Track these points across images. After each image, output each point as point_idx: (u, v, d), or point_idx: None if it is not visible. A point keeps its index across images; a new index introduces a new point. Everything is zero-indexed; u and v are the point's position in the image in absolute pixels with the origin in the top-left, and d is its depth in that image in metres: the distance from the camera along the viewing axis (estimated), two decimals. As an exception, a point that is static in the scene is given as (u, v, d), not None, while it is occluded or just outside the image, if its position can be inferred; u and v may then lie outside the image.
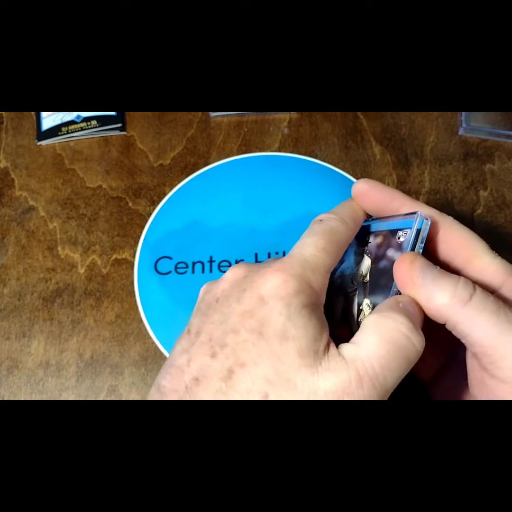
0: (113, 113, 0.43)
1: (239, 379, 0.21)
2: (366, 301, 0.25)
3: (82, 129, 0.42)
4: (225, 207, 0.40)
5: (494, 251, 0.24)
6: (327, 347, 0.22)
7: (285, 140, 0.42)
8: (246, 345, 0.21)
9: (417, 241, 0.24)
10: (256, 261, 0.38)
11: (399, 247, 0.24)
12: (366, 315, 0.25)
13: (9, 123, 0.44)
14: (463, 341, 0.23)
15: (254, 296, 0.22)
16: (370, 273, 0.26)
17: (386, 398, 0.21)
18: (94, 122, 0.42)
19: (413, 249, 0.24)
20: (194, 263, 0.38)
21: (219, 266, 0.38)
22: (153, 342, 0.36)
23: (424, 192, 0.40)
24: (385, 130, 0.42)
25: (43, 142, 0.42)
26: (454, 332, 0.23)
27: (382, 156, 0.41)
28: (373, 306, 0.24)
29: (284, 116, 0.43)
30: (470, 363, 0.24)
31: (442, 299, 0.22)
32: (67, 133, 0.42)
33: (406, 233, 0.24)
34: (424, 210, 0.25)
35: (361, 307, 0.25)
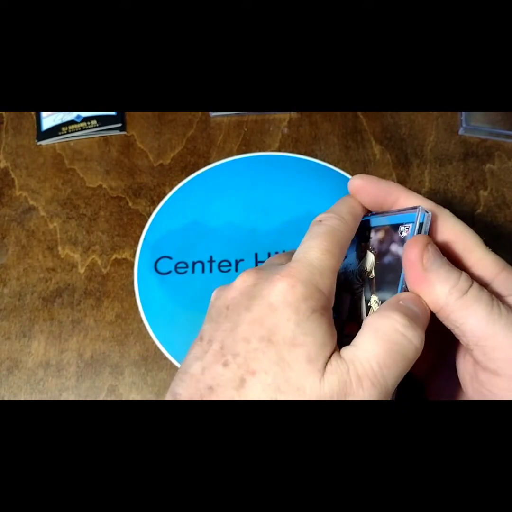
0: (113, 113, 0.43)
1: (250, 388, 0.21)
2: (374, 298, 0.25)
3: (82, 129, 0.42)
4: (225, 207, 0.40)
5: (489, 247, 0.25)
6: (333, 351, 0.22)
7: (285, 140, 0.42)
8: (256, 353, 0.21)
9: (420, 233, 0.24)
10: (256, 261, 0.38)
11: (402, 242, 0.24)
12: (375, 311, 0.25)
13: (9, 123, 0.44)
14: (455, 331, 0.23)
15: (263, 303, 0.22)
16: (375, 268, 0.26)
17: (388, 396, 0.21)
18: (94, 122, 0.42)
19: None
20: (194, 263, 0.38)
21: (219, 266, 0.38)
22: (153, 342, 0.36)
23: (424, 192, 0.40)
24: (385, 130, 0.42)
25: (43, 142, 0.42)
26: (446, 322, 0.23)
27: (382, 156, 0.41)
28: (382, 303, 0.24)
29: (284, 116, 0.43)
30: (462, 358, 0.24)
31: (443, 288, 0.22)
32: (67, 133, 0.42)
33: (408, 228, 0.24)
34: (421, 203, 0.25)
35: (369, 304, 0.25)
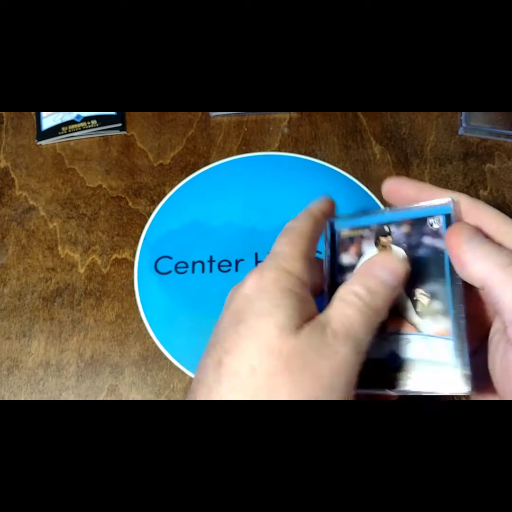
0: (113, 113, 0.43)
1: (227, 365, 0.22)
2: (420, 291, 0.26)
3: (82, 128, 0.42)
4: (225, 207, 0.40)
5: None
6: (310, 320, 0.23)
7: (285, 140, 0.42)
8: (230, 334, 0.23)
9: (450, 223, 0.25)
10: (256, 261, 0.38)
11: (436, 234, 0.26)
12: (425, 304, 0.26)
13: (9, 123, 0.44)
14: (495, 308, 0.24)
15: (239, 297, 0.24)
16: (412, 265, 0.26)
17: (361, 349, 0.23)
18: (94, 122, 0.42)
19: None
20: (194, 263, 0.38)
21: (219, 266, 0.38)
22: (153, 342, 0.36)
23: (424, 192, 0.40)
24: (385, 129, 0.42)
25: (43, 142, 0.42)
26: (489, 298, 0.24)
27: (382, 156, 0.41)
28: (431, 295, 0.25)
29: (284, 116, 0.43)
30: (496, 337, 0.25)
31: (484, 265, 0.23)
32: (67, 132, 0.42)
33: (438, 220, 0.26)
34: (455, 196, 0.26)
35: (415, 298, 0.26)
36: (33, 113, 0.44)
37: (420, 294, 0.26)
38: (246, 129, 0.43)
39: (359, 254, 0.27)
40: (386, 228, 0.27)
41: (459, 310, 0.25)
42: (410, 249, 0.26)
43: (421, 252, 0.26)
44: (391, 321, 0.25)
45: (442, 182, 0.40)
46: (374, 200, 0.39)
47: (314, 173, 0.41)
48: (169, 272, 0.38)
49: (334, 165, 0.41)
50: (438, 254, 0.26)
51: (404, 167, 0.41)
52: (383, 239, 0.27)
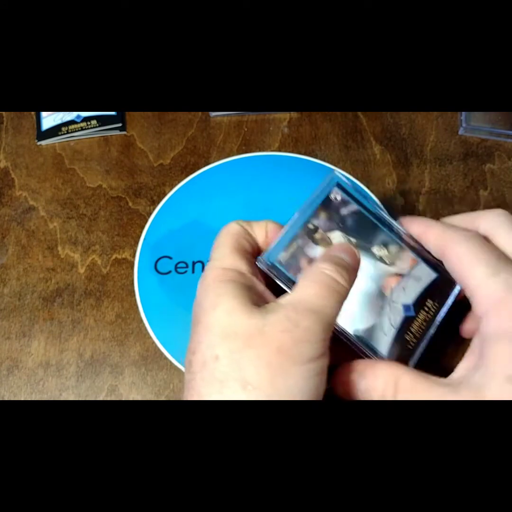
0: (113, 113, 0.43)
1: (194, 362, 0.25)
2: (376, 248, 0.30)
3: (82, 129, 0.42)
4: (225, 207, 0.40)
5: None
6: (264, 301, 0.25)
7: (285, 140, 0.42)
8: (191, 337, 0.26)
9: (345, 188, 0.30)
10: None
11: (346, 202, 0.30)
12: (387, 254, 0.30)
13: (9, 123, 0.44)
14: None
15: (194, 306, 0.27)
16: (353, 236, 0.30)
17: (330, 324, 0.24)
18: (94, 122, 0.42)
19: (354, 198, 0.30)
20: (194, 263, 0.38)
21: (219, 266, 0.38)
22: (153, 342, 0.36)
23: (424, 192, 0.40)
24: (385, 130, 0.42)
25: (43, 142, 0.42)
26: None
27: (382, 156, 0.41)
28: (384, 245, 0.30)
29: (284, 116, 0.43)
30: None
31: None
32: (67, 133, 0.42)
33: (336, 191, 0.30)
34: (469, 237, 0.28)
35: (378, 255, 0.30)
36: (33, 113, 0.44)
37: (377, 250, 0.30)
38: (246, 129, 0.43)
39: (311, 262, 0.29)
40: (310, 226, 0.29)
41: (407, 240, 0.30)
42: (341, 226, 0.30)
43: (350, 222, 0.30)
44: (387, 281, 0.29)
45: (442, 182, 0.40)
46: (374, 200, 0.39)
47: (314, 173, 0.41)
48: (169, 272, 0.38)
49: (334, 165, 0.41)
50: (361, 215, 0.30)
51: (404, 167, 0.41)
52: (316, 236, 0.29)
